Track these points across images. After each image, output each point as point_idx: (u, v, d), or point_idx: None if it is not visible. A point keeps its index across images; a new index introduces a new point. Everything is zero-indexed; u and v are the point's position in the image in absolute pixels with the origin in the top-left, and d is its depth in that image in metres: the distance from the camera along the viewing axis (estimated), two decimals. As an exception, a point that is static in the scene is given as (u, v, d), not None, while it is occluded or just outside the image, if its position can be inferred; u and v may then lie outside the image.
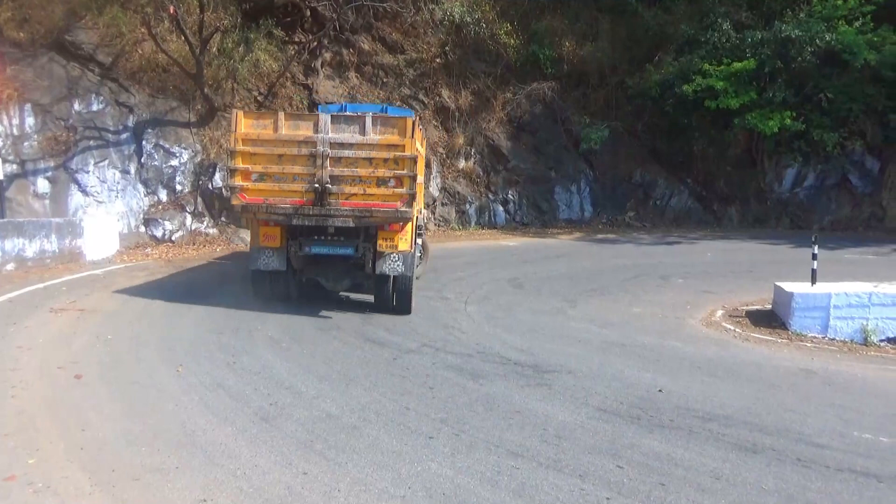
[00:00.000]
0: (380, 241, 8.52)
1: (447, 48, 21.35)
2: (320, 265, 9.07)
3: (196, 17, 16.07)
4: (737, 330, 9.19)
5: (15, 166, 14.12)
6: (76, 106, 15.22)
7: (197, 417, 5.49)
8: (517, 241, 18.31)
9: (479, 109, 21.15)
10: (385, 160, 8.03)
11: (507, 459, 4.84)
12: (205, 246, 15.43)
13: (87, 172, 14.94)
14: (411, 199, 8.14)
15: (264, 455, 4.81)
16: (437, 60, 21.23)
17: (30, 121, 14.56)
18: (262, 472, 4.56)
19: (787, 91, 20.02)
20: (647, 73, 21.30)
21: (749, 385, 6.74)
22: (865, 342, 8.74)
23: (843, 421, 5.78)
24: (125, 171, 15.51)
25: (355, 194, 8.15)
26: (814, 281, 9.58)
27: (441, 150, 20.49)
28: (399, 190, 8.13)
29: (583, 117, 21.70)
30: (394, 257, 8.58)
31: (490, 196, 20.95)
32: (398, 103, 19.83)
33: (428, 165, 12.45)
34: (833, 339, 8.83)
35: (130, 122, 15.84)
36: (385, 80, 20.56)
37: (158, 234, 15.47)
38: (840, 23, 19.71)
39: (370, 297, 9.63)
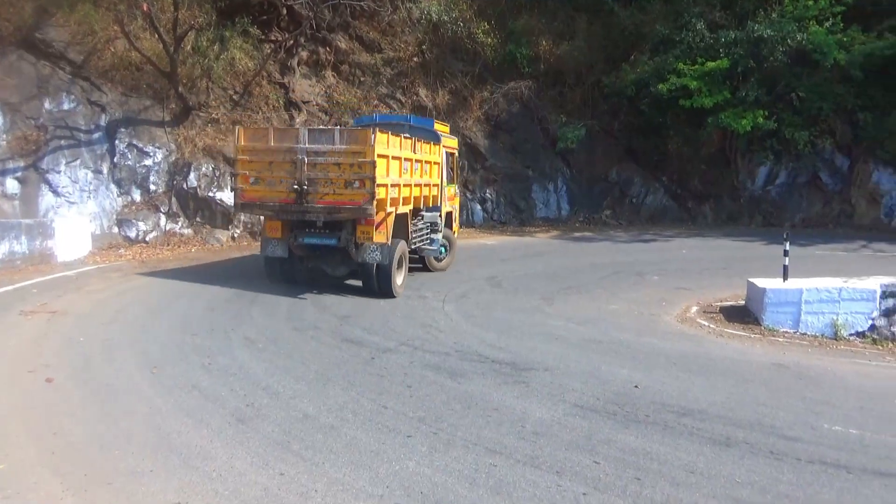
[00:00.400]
0: (358, 234, 9.93)
1: (424, 47, 21.33)
2: (319, 254, 10.46)
3: (170, 15, 15.86)
4: (711, 326, 9.32)
5: (-17, 166, 13.83)
6: (47, 105, 14.93)
7: (171, 420, 5.43)
8: (495, 240, 18.37)
9: (457, 108, 21.17)
10: (350, 165, 9.41)
11: (484, 457, 4.85)
12: (179, 246, 15.24)
13: (59, 172, 14.66)
14: (371, 197, 9.33)
15: (240, 456, 4.77)
16: (415, 59, 21.21)
17: (-2, 120, 14.28)
18: (238, 473, 4.52)
19: (759, 90, 20.31)
20: (623, 72, 21.47)
21: (723, 380, 6.84)
22: (835, 336, 8.92)
23: (813, 414, 5.90)
24: (97, 171, 15.26)
25: (328, 193, 9.54)
26: (785, 277, 9.74)
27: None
28: (362, 190, 9.41)
29: (560, 116, 21.83)
30: (372, 247, 9.90)
31: (468, 195, 20.98)
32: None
33: (452, 168, 13.62)
34: (804, 334, 8.99)
35: (103, 121, 15.58)
36: (362, 79, 20.48)
37: (132, 234, 15.24)
38: (811, 23, 20.05)
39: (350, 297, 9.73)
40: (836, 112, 21.30)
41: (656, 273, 13.09)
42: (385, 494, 4.29)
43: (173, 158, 16.23)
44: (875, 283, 9.32)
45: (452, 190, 13.73)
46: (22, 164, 14.28)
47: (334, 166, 9.46)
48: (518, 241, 18.34)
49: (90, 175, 15.11)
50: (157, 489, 4.28)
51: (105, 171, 15.41)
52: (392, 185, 10.01)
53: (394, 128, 11.23)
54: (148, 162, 15.91)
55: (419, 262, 12.74)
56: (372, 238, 9.87)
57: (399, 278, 10.59)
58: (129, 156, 15.74)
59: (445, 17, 21.04)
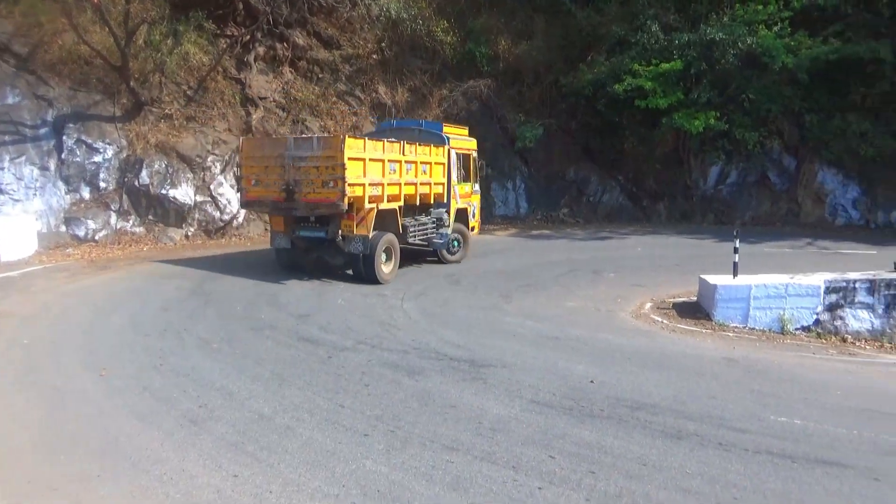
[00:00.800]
0: (343, 227, 11.13)
1: (384, 44, 21.24)
2: (317, 246, 11.73)
3: (121, 8, 15.45)
4: (664, 321, 9.52)
5: (-80, 162, 13.23)
6: (-11, 99, 14.40)
7: (121, 422, 5.30)
8: (455, 238, 18.35)
9: (416, 106, 21.14)
10: (326, 168, 10.62)
11: (442, 454, 4.87)
12: (131, 245, 14.86)
13: (2, 169, 14.13)
14: (343, 195, 10.46)
15: (193, 459, 4.68)
16: (374, 56, 21.10)
17: (-63, 114, 13.69)
18: (189, 476, 4.43)
19: (711, 92, 20.82)
20: (581, 72, 21.74)
21: (675, 374, 7.00)
22: (782, 331, 9.23)
23: (761, 406, 6.08)
24: (44, 168, 14.75)
25: (310, 192, 10.83)
26: (735, 273, 10.01)
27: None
28: (335, 189, 10.54)
29: (518, 115, 21.99)
30: (355, 239, 11.14)
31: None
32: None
33: (462, 167, 14.29)
34: (753, 329, 9.27)
35: (50, 116, 15.07)
36: (321, 75, 20.27)
37: (81, 233, 14.78)
38: (760, 27, 20.62)
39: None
40: (783, 114, 21.96)
41: (612, 270, 13.31)
42: (341, 494, 4.26)
43: (124, 155, 15.81)
44: (819, 280, 9.66)
45: (467, 188, 14.46)
46: (-38, 160, 13.74)
47: (314, 169, 10.73)
48: (477, 238, 18.30)
49: (36, 172, 14.62)
50: (106, 494, 4.17)
51: (52, 167, 14.91)
52: (371, 185, 11.03)
53: (405, 133, 13.25)
54: (98, 158, 15.46)
55: (433, 255, 13.82)
56: (353, 231, 11.07)
57: (387, 267, 11.68)
58: (78, 152, 15.27)
59: (405, 15, 20.98)
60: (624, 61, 20.90)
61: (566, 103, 22.90)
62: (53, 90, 15.28)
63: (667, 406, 5.99)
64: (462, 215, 14.21)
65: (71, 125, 15.30)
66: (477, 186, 15.09)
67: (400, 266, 12.30)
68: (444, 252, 13.80)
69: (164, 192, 15.88)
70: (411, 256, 13.73)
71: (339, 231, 11.15)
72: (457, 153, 13.94)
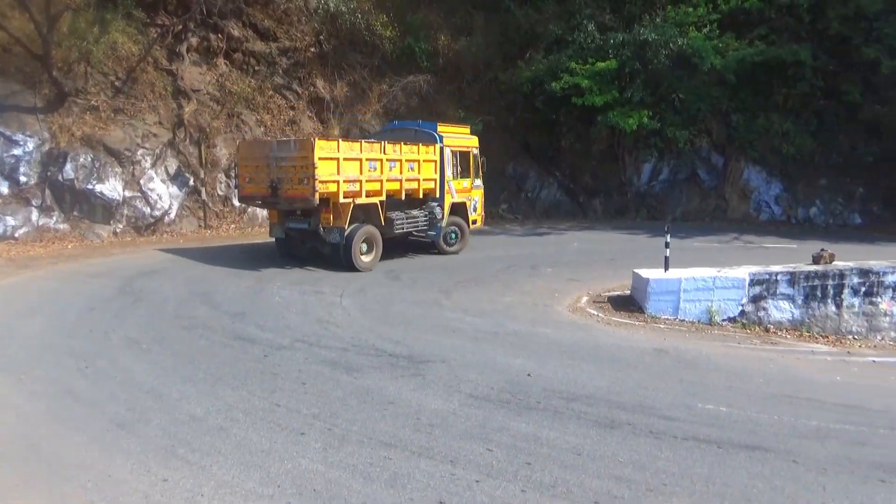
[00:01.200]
0: (322, 220, 12.27)
1: (322, 38, 20.90)
2: (306, 236, 12.87)
3: (42, -8, 14.68)
4: (599, 315, 9.75)
5: None
6: None
7: (42, 427, 5.06)
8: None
9: (355, 101, 20.93)
10: (301, 167, 11.77)
11: (379, 450, 4.85)
12: (54, 243, 14.18)
13: None
14: (314, 191, 11.60)
15: (119, 464, 4.51)
16: (312, 50, 20.75)
17: None
18: (115, 482, 4.27)
19: (644, 91, 21.43)
20: (519, 69, 22.01)
21: (609, 366, 7.19)
22: (710, 322, 9.60)
23: (689, 395, 6.31)
24: (-43, 161, 13.92)
25: (289, 189, 11.98)
26: (667, 267, 10.35)
27: (316, 141, 20.04)
28: (308, 185, 11.67)
29: (458, 111, 22.03)
30: (333, 231, 12.26)
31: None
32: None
33: (460, 163, 14.99)
34: (683, 320, 9.61)
35: (-37, 106, 14.22)
36: (257, 68, 19.80)
37: (-1, 230, 14.02)
38: (690, 29, 21.35)
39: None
40: (712, 113, 22.81)
41: (550, 265, 13.54)
42: (276, 494, 4.19)
43: (47, 148, 15.06)
44: (744, 272, 10.10)
45: (465, 184, 15.18)
46: None
47: (292, 168, 11.91)
48: (418, 235, 18.38)
49: (-52, 165, 13.77)
50: (25, 503, 3.97)
51: (-34, 160, 14.07)
52: (346, 181, 12.10)
53: (402, 133, 14.59)
54: (17, 151, 14.66)
55: (432, 246, 14.65)
56: (330, 223, 12.21)
57: (367, 257, 12.66)
58: (-5, 144, 14.45)
59: (343, 8, 20.70)
60: (561, 59, 21.27)
61: (505, 100, 23.13)
62: (-33, 78, 14.42)
63: (601, 397, 6.15)
64: (460, 209, 15.03)
65: (-13, 116, 14.46)
66: (479, 182, 15.70)
67: (394, 257, 13.50)
68: (442, 243, 14.62)
69: (90, 186, 15.22)
70: (412, 247, 14.75)
71: (320, 223, 12.29)
72: (452, 151, 14.71)
